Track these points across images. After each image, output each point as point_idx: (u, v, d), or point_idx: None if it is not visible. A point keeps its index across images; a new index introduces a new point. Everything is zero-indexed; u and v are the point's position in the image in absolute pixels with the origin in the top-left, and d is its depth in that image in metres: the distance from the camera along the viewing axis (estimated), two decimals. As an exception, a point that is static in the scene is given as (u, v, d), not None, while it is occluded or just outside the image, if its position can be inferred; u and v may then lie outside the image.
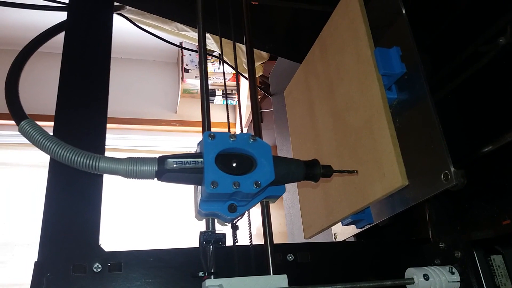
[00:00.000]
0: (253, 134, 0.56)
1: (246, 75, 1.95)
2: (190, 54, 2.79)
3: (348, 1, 0.74)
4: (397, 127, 0.65)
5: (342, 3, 0.77)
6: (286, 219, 1.44)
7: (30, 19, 2.37)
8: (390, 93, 0.67)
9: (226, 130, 0.62)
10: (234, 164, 0.52)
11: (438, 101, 0.71)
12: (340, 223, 0.84)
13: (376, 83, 0.64)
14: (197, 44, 1.79)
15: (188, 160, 0.51)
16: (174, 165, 0.50)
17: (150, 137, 2.87)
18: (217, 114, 2.65)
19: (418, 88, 0.62)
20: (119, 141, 2.74)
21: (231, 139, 0.53)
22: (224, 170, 0.51)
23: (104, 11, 0.76)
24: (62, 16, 0.75)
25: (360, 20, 0.69)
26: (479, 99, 0.66)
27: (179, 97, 2.88)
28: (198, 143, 0.55)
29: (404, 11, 0.67)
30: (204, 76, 0.66)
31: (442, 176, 0.56)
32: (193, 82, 2.78)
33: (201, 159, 0.51)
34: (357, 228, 0.85)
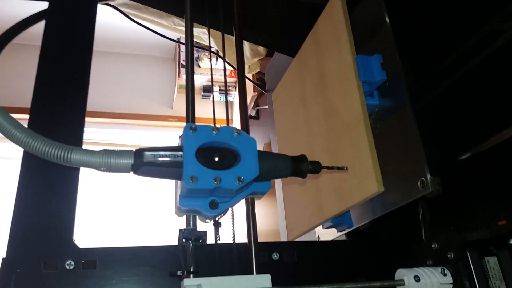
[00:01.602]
0: (240, 128, 0.54)
1: (246, 72, 1.92)
2: (187, 50, 2.76)
3: (333, 7, 0.74)
4: (378, 133, 0.66)
5: (327, 9, 0.77)
6: (279, 216, 1.42)
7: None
8: (372, 100, 0.69)
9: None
10: (216, 158, 0.49)
11: (422, 107, 0.71)
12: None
13: (356, 90, 0.65)
14: (196, 39, 1.75)
15: (167, 153, 0.48)
16: (152, 159, 0.48)
17: (145, 132, 2.85)
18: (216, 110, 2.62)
19: (399, 95, 0.64)
20: (113, 136, 2.72)
21: (214, 132, 0.51)
22: (205, 164, 0.48)
23: (88, 0, 0.73)
24: (43, 7, 0.72)
25: (343, 27, 0.69)
26: (466, 101, 0.65)
27: (175, 92, 2.86)
28: (180, 136, 0.53)
29: (387, 20, 0.67)
30: (190, 66, 0.64)
31: (418, 183, 0.58)
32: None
33: (181, 153, 0.48)
34: (337, 232, 0.85)
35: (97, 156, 0.46)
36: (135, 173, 0.48)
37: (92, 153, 0.46)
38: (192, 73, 0.63)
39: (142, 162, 0.47)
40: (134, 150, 0.48)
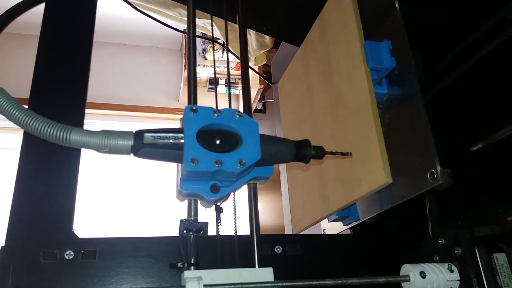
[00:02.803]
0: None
1: (252, 64, 1.89)
2: (194, 41, 2.74)
3: (341, -8, 0.72)
4: (386, 123, 0.64)
5: None
6: (283, 210, 1.39)
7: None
8: (380, 88, 0.66)
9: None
10: (217, 141, 0.48)
11: (433, 96, 0.70)
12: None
13: (364, 77, 0.63)
14: (202, 31, 1.73)
15: (168, 135, 0.47)
16: (152, 140, 0.46)
17: (151, 125, 2.83)
18: (220, 103, 2.61)
19: (409, 84, 0.62)
20: (119, 128, 2.70)
21: (215, 114, 0.49)
22: (206, 147, 0.47)
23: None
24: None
25: (351, 12, 0.68)
26: (479, 90, 0.63)
27: (182, 85, 2.84)
28: (181, 119, 0.52)
29: (397, 4, 0.66)
30: (192, 49, 0.63)
31: (428, 175, 0.56)
32: (197, 70, 2.74)
33: (182, 134, 0.47)
34: (343, 225, 0.84)
35: (97, 137, 0.45)
36: (135, 155, 0.47)
37: (91, 134, 0.45)
38: (195, 55, 0.62)
39: (142, 144, 0.46)
40: (134, 131, 0.47)
